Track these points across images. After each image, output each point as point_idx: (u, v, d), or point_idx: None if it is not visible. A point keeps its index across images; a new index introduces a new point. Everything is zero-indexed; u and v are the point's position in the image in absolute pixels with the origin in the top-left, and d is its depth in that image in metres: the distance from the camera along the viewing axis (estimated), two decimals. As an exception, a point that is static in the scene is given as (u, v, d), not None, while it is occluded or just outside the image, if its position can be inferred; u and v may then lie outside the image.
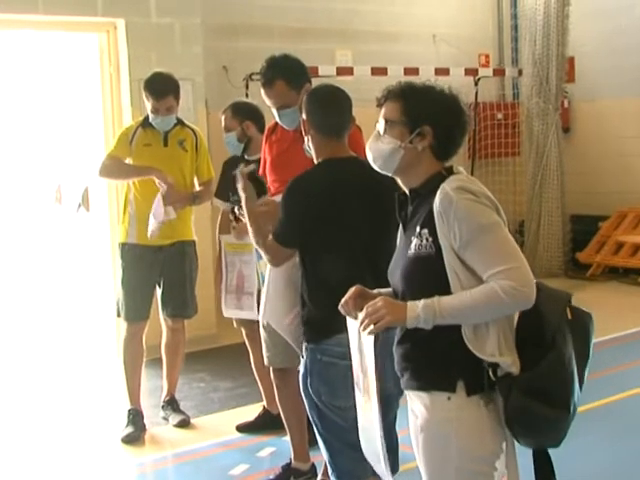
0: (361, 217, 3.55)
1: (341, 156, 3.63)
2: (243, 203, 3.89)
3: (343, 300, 2.84)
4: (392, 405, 3.61)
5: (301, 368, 3.62)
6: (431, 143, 2.78)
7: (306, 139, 3.69)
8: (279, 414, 4.92)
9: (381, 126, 2.83)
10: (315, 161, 3.68)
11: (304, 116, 3.66)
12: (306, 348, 3.56)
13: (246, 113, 5.55)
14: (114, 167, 5.70)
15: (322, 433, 3.62)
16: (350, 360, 2.92)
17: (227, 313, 5.64)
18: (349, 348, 2.92)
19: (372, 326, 2.65)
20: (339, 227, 3.52)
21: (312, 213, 3.52)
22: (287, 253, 3.65)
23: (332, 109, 3.66)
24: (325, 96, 3.72)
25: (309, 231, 3.53)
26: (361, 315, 2.69)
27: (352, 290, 2.85)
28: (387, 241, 3.43)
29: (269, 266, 3.90)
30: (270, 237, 3.63)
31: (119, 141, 5.75)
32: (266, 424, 5.62)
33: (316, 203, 3.53)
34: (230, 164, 5.65)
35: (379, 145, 2.83)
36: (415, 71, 9.52)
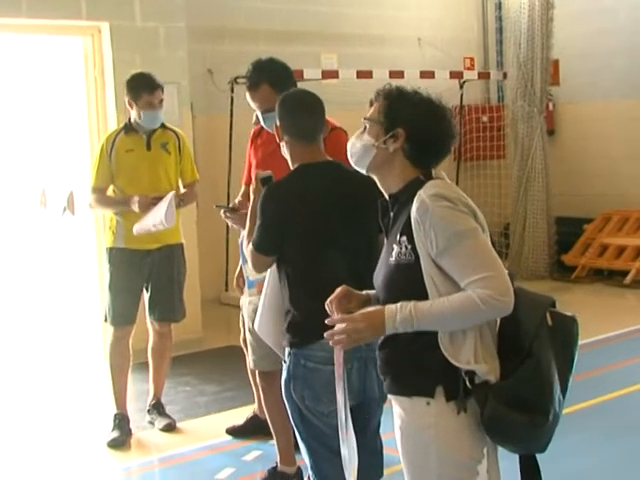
0: (338, 221, 3.54)
1: (316, 161, 3.62)
2: (251, 203, 3.87)
3: (329, 299, 2.84)
4: (375, 409, 3.60)
5: (283, 373, 3.60)
6: (403, 147, 2.78)
7: (281, 145, 3.69)
8: None
9: (363, 124, 2.86)
10: (291, 166, 3.68)
11: (277, 122, 3.66)
12: (289, 353, 3.55)
13: None
14: (98, 203, 5.78)
15: (305, 438, 3.60)
16: (333, 365, 2.92)
17: None
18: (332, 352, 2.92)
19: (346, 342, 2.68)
20: (317, 232, 3.52)
21: (290, 219, 3.51)
22: (267, 261, 3.64)
23: (303, 114, 3.64)
24: (296, 101, 3.71)
25: (288, 237, 3.53)
26: (339, 326, 2.69)
27: (338, 290, 2.85)
28: (365, 243, 3.44)
29: (266, 283, 3.87)
30: (250, 245, 3.62)
31: (98, 166, 5.71)
32: (255, 428, 5.60)
33: (293, 209, 3.52)
34: None
35: (356, 142, 2.87)
36: (400, 74, 9.54)
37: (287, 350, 3.56)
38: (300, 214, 3.51)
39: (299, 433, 3.61)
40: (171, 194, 5.46)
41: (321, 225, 3.52)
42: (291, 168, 3.67)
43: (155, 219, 5.42)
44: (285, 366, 3.57)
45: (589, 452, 5.25)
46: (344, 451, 2.89)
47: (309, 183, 3.56)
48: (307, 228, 3.51)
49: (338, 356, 2.84)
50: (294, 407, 3.56)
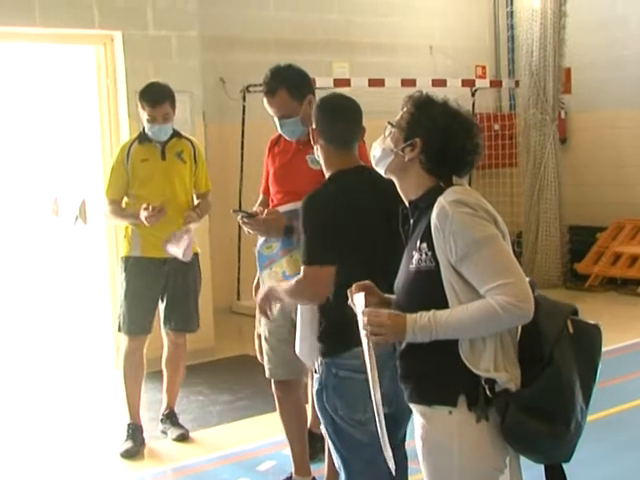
0: (375, 228, 3.49)
1: (351, 167, 3.57)
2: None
3: (350, 288, 2.84)
4: (405, 419, 3.51)
5: (315, 384, 3.54)
6: (420, 157, 2.77)
7: (315, 148, 3.64)
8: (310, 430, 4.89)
9: (388, 128, 2.86)
10: (324, 171, 3.62)
11: (313, 125, 3.61)
12: (321, 363, 3.49)
13: None
14: (113, 215, 5.73)
15: (340, 450, 3.52)
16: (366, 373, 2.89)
17: None
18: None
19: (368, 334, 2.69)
20: (355, 239, 3.46)
21: (329, 227, 3.45)
22: (326, 275, 3.39)
23: (341, 119, 3.58)
24: (334, 105, 3.65)
25: (329, 245, 3.47)
26: (364, 319, 2.70)
27: (363, 282, 2.85)
28: (399, 251, 3.40)
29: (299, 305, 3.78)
30: (302, 269, 3.46)
31: (113, 177, 5.69)
32: None
33: (332, 217, 3.46)
34: None
35: (378, 144, 2.87)
36: (412, 82, 9.53)
37: (318, 360, 3.51)
38: (339, 222, 3.46)
39: (333, 444, 3.53)
40: (192, 227, 5.52)
41: (360, 232, 3.46)
42: (325, 172, 3.63)
43: (176, 251, 5.48)
44: (316, 377, 3.52)
45: (605, 462, 5.20)
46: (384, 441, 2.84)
47: (346, 190, 3.51)
48: (347, 235, 3.45)
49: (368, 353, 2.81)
50: (327, 418, 3.49)
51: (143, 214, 5.39)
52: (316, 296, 3.48)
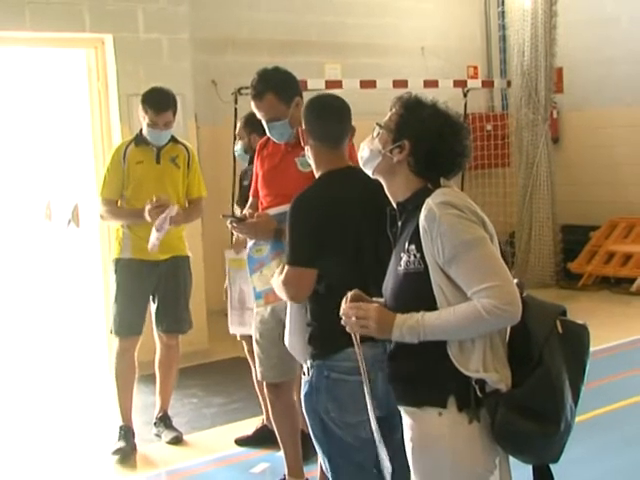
0: (365, 229, 3.49)
1: (340, 167, 3.57)
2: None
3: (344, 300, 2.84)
4: (399, 421, 3.52)
5: (304, 386, 3.53)
6: (408, 159, 2.77)
7: (306, 149, 3.65)
8: None
9: (376, 129, 2.86)
10: (315, 171, 3.63)
11: (303, 125, 3.62)
12: (311, 365, 3.48)
13: (255, 126, 5.34)
14: (110, 215, 5.71)
15: (327, 452, 3.51)
16: (358, 375, 2.89)
17: (232, 330, 5.48)
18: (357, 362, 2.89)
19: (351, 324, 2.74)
20: (343, 240, 3.47)
21: (317, 228, 3.46)
22: (308, 277, 3.45)
23: (330, 118, 3.60)
24: (323, 105, 3.67)
25: (318, 248, 3.47)
26: (351, 311, 2.72)
27: (352, 292, 2.83)
28: (387, 253, 3.40)
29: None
30: (285, 269, 3.50)
31: (109, 177, 5.66)
32: (264, 438, 5.56)
33: (319, 218, 3.47)
34: (243, 175, 5.81)
35: (366, 145, 2.87)
36: (404, 83, 9.55)
37: (309, 362, 3.50)
38: (327, 224, 3.46)
39: (321, 448, 3.52)
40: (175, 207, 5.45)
41: (348, 235, 3.47)
42: (315, 173, 3.63)
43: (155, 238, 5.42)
44: (306, 379, 3.50)
45: (598, 461, 5.21)
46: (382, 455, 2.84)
47: (335, 192, 3.52)
48: (335, 236, 3.46)
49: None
50: (316, 421, 3.48)
51: (146, 209, 5.38)
52: (297, 296, 3.55)
